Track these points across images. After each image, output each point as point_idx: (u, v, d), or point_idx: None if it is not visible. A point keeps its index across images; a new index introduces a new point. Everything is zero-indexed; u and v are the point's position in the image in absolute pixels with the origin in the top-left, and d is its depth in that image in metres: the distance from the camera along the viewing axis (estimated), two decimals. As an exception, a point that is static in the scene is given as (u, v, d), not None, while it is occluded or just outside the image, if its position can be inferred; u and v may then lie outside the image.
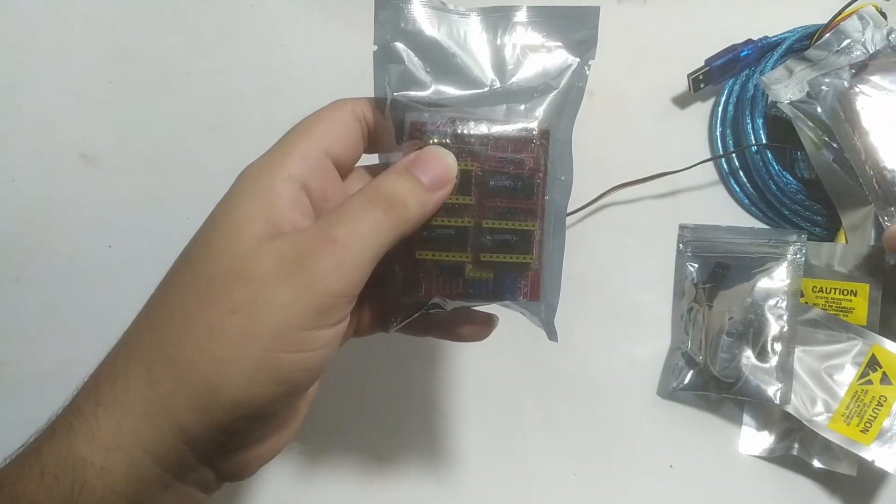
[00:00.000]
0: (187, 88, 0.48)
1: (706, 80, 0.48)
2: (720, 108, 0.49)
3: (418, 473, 0.44)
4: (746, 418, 0.45)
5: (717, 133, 0.49)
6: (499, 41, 0.30)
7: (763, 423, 0.45)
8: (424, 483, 0.44)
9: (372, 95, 0.29)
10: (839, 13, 0.47)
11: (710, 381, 0.44)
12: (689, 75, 0.48)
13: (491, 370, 0.45)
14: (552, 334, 0.31)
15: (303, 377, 0.26)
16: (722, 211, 0.48)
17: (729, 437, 0.45)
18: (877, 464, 0.41)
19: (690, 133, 0.49)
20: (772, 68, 0.47)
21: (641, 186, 0.46)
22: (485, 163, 0.29)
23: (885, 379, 0.42)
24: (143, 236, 0.46)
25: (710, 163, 0.48)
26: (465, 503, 0.44)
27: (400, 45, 0.29)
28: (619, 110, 0.49)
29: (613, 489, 0.44)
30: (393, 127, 0.29)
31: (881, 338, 0.42)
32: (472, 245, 0.29)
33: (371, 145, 0.30)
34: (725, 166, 0.48)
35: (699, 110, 0.50)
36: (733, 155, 0.48)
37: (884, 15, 0.49)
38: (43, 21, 0.48)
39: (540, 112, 0.30)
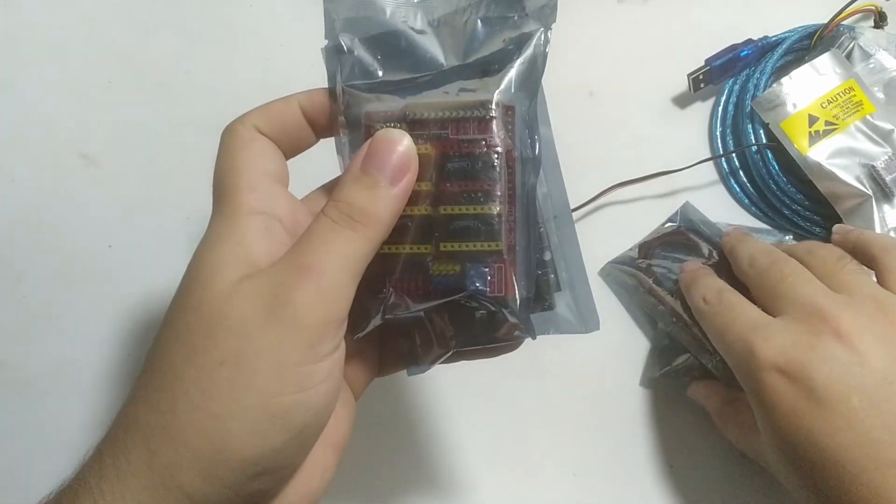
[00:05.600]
0: (187, 88, 0.48)
1: (706, 80, 0.48)
2: (720, 108, 0.49)
3: (416, 476, 0.44)
4: (747, 419, 0.45)
5: (717, 133, 0.49)
6: (454, 19, 0.28)
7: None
8: (423, 484, 0.44)
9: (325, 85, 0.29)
10: (839, 13, 0.47)
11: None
12: (689, 75, 0.48)
13: (490, 369, 0.45)
14: (531, 331, 0.28)
15: (307, 419, 0.24)
16: (722, 211, 0.48)
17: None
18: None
19: (690, 133, 0.49)
20: (772, 69, 0.47)
21: (641, 186, 0.46)
22: (444, 146, 0.27)
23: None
24: (143, 236, 0.46)
25: (711, 162, 0.48)
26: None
27: (350, 36, 0.28)
28: (619, 110, 0.49)
29: (613, 489, 0.44)
30: (347, 118, 0.28)
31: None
32: (435, 234, 0.27)
33: (330, 129, 0.29)
34: (725, 166, 0.48)
35: (699, 110, 0.50)
36: (733, 155, 0.48)
37: (884, 15, 0.49)
38: (43, 21, 0.48)
39: (501, 87, 0.27)
